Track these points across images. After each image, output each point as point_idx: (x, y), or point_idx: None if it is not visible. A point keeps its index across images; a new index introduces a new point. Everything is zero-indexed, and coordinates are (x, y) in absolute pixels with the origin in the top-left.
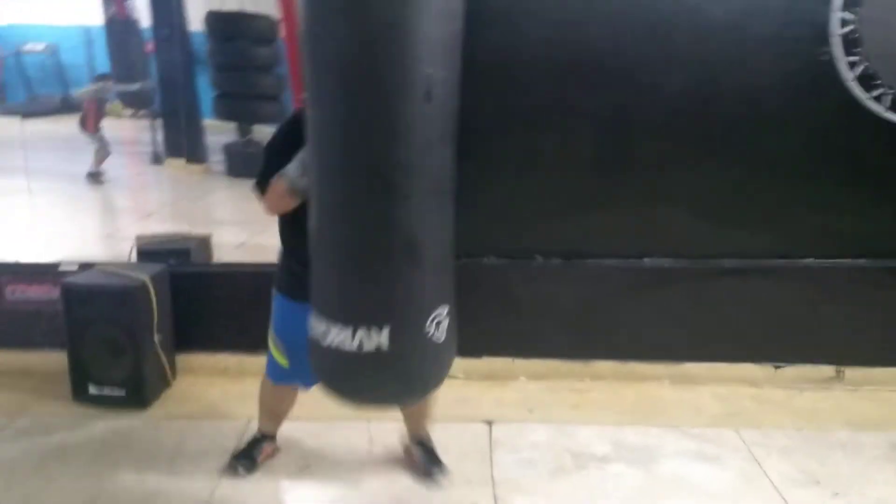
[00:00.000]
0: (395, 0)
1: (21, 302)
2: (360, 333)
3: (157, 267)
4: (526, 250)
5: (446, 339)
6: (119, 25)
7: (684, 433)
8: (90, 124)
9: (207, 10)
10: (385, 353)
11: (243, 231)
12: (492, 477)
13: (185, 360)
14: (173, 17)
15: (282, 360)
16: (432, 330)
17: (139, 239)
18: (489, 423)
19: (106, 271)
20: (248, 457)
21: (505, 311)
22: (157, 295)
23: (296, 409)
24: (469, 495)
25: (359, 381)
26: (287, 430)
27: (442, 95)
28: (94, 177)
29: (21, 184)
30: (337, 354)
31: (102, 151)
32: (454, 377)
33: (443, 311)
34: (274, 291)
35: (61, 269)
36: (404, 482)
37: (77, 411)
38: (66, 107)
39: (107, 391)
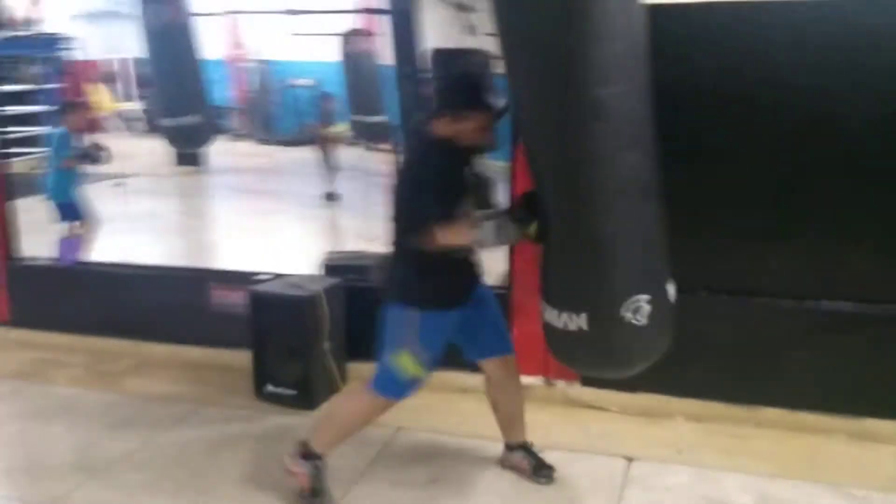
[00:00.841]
0: (562, 26)
1: (222, 305)
2: (564, 316)
3: (333, 281)
4: (692, 284)
5: (651, 322)
6: (357, 60)
7: (846, 494)
8: (325, 151)
9: (433, 47)
10: (586, 333)
11: None
12: None
13: (357, 368)
14: (415, 56)
15: (418, 373)
16: (629, 315)
17: (328, 254)
18: (629, 459)
19: (290, 282)
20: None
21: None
22: (329, 306)
23: (432, 422)
24: None
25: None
26: (421, 440)
27: (621, 108)
28: (330, 196)
29: (274, 205)
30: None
31: (333, 174)
32: (606, 410)
33: (641, 298)
34: (415, 310)
35: (256, 277)
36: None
37: (255, 406)
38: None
39: (281, 390)
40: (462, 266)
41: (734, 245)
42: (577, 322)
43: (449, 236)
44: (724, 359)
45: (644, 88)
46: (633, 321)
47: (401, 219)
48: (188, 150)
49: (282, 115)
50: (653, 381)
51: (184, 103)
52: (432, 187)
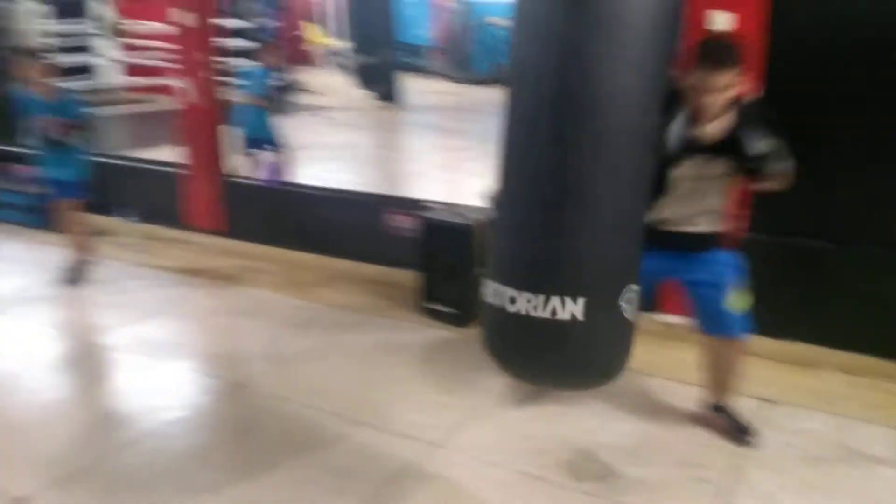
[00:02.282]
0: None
1: (397, 228)
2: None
3: (476, 213)
4: (859, 237)
5: (631, 318)
6: None
7: None
8: None
9: None
10: (580, 324)
11: None
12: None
13: None
14: None
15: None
16: (625, 304)
17: (489, 188)
18: (769, 401)
19: (457, 211)
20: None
21: (824, 297)
22: (468, 238)
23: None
24: (710, 457)
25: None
26: None
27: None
28: None
29: (460, 143)
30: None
31: None
32: (756, 355)
33: (633, 288)
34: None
35: (428, 205)
36: None
37: (419, 320)
38: None
39: (441, 308)
40: None
41: None
42: (570, 309)
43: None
44: (887, 313)
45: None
46: (626, 312)
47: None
48: (373, 87)
49: (477, 54)
50: (803, 330)
51: (371, 42)
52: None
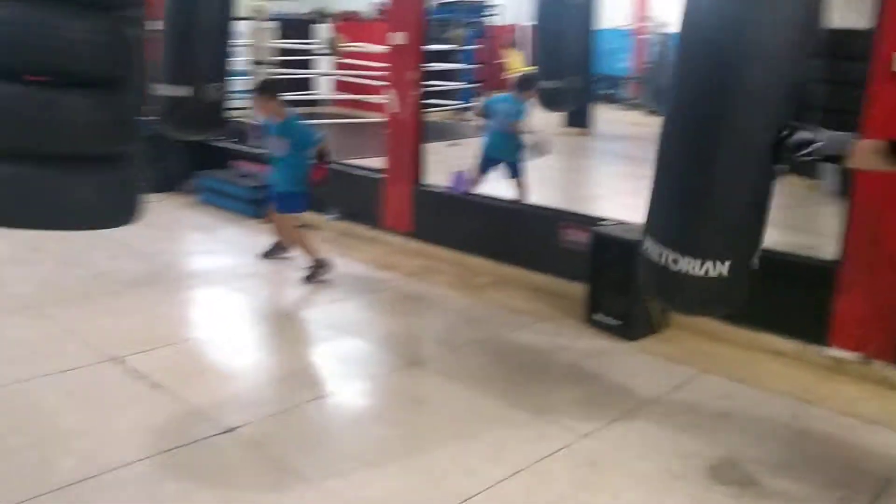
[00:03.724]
0: None
1: (569, 242)
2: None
3: None
4: None
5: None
6: None
7: None
8: None
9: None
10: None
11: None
12: None
13: (679, 316)
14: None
15: None
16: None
17: None
18: None
19: (626, 228)
20: None
21: None
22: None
23: None
24: (861, 483)
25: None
26: None
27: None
28: None
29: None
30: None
31: None
32: None
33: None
34: None
35: (600, 221)
36: None
37: (582, 329)
38: None
39: (607, 320)
40: None
41: None
42: (718, 269)
43: None
44: None
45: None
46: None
47: None
48: (557, 111)
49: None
50: None
51: (558, 67)
52: None
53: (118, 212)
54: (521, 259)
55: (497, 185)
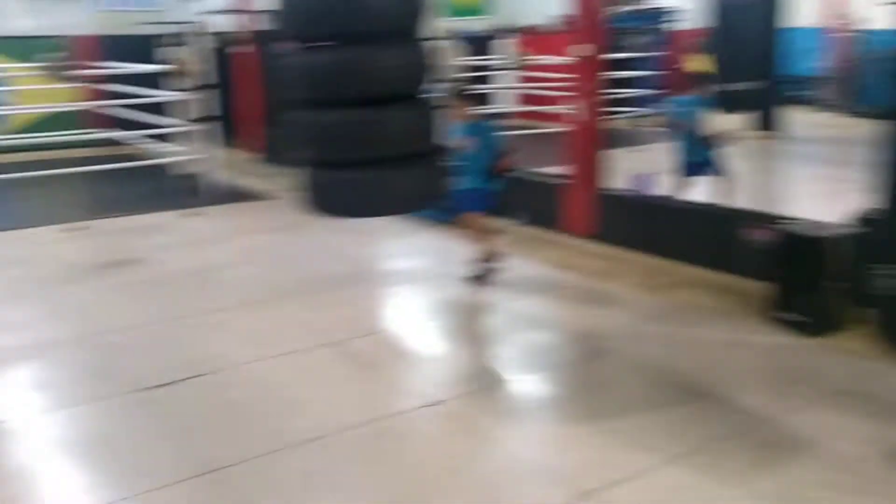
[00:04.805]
0: None
1: (751, 241)
2: None
3: (839, 229)
4: None
5: None
6: None
7: None
8: None
9: None
10: None
11: None
12: None
13: (860, 314)
14: None
15: None
16: None
17: (864, 210)
18: None
19: (812, 226)
20: None
21: None
22: (829, 252)
23: None
24: None
25: None
26: None
27: None
28: None
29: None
30: None
31: None
32: None
33: None
34: None
35: (782, 220)
36: None
37: (762, 326)
38: None
39: (790, 317)
40: None
41: None
42: None
43: None
44: None
45: None
46: None
47: None
48: (740, 113)
49: (872, 86)
50: None
51: (740, 69)
52: None
53: (430, 197)
54: (704, 259)
55: (694, 188)
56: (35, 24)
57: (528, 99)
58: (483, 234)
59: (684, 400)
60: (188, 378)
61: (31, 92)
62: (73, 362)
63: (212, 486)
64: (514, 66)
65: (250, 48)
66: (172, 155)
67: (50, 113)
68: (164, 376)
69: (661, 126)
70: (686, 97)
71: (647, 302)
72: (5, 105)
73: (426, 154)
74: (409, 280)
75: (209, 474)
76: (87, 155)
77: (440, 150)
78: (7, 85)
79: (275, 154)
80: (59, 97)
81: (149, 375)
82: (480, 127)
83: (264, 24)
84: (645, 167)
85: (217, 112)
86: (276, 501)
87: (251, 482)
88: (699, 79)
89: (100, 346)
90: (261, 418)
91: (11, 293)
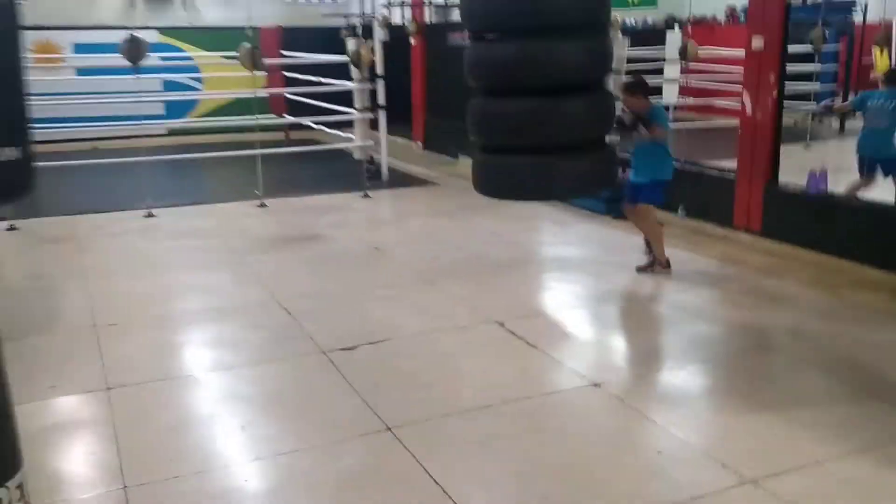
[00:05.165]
0: None
1: None
2: None
3: None
4: None
5: None
6: None
7: None
8: None
9: None
10: None
11: None
12: None
13: None
14: None
15: None
16: None
17: None
18: None
19: None
20: None
21: None
22: None
23: None
24: None
25: None
26: None
27: None
28: None
29: None
30: None
31: None
32: None
33: None
34: None
35: None
36: None
37: None
38: None
39: None
40: None
41: None
42: None
43: None
44: None
45: None
46: None
47: None
48: None
49: None
50: None
51: None
52: None
53: (603, 182)
54: (881, 260)
55: (874, 186)
56: (227, 15)
57: (698, 91)
58: (653, 225)
59: (858, 399)
60: (365, 344)
61: (220, 79)
62: (261, 324)
63: (390, 442)
64: (684, 57)
65: (420, 40)
66: (347, 141)
67: (235, 98)
68: (343, 341)
69: (842, 120)
70: (880, 91)
71: (816, 300)
72: (196, 91)
73: (598, 143)
74: (572, 267)
75: (386, 432)
76: (269, 139)
77: (612, 140)
78: (199, 72)
79: (437, 142)
80: (244, 84)
81: (330, 339)
82: (656, 111)
83: (434, 18)
84: (819, 163)
85: (388, 101)
86: (449, 460)
87: (426, 441)
88: (884, 72)
89: (287, 311)
90: (431, 385)
91: (207, 260)
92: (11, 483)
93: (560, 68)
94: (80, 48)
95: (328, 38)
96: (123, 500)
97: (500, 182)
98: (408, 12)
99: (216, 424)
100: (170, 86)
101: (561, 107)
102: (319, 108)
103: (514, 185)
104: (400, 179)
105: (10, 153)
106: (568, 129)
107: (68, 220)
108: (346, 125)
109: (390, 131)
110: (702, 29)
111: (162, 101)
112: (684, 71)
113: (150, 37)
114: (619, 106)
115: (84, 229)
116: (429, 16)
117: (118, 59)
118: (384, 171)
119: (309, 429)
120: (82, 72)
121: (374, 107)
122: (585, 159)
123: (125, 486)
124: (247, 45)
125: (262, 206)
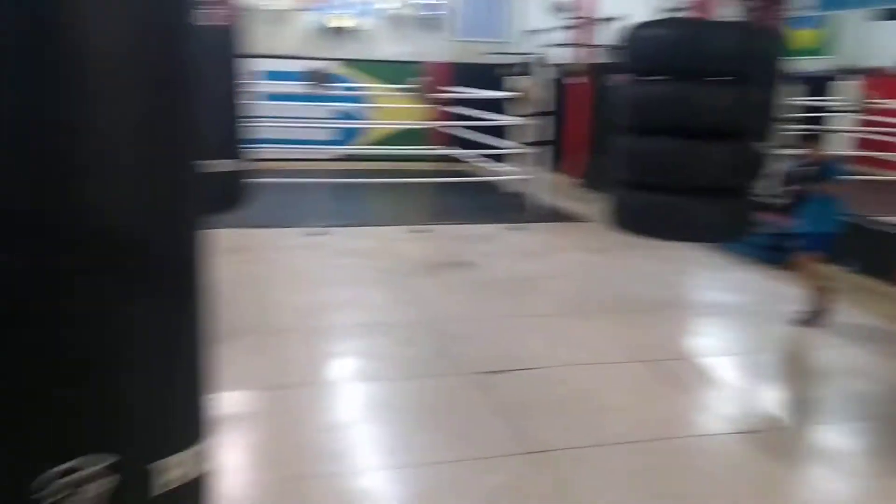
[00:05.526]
0: None
1: None
2: None
3: None
4: None
5: None
6: None
7: None
8: None
9: None
10: None
11: None
12: None
13: None
14: None
15: None
16: None
17: None
18: None
19: None
20: None
21: None
22: None
23: None
24: None
25: None
26: None
27: None
28: None
29: None
30: None
31: None
32: None
33: None
34: None
35: None
36: None
37: None
38: None
39: None
40: None
41: None
42: None
43: None
44: None
45: None
46: None
47: None
48: None
49: None
50: None
51: None
52: None
53: (734, 231)
54: None
55: None
56: (399, 50)
57: (869, 144)
58: (817, 277)
59: None
60: (514, 370)
61: (389, 110)
62: (416, 341)
63: (534, 465)
64: (856, 108)
65: (584, 80)
66: (504, 174)
67: (402, 128)
68: (493, 364)
69: None
70: None
71: None
72: (367, 119)
73: (740, 190)
74: (725, 312)
75: (532, 455)
76: (430, 168)
77: (758, 189)
78: (370, 102)
79: (596, 180)
80: (411, 115)
81: (479, 362)
82: (831, 167)
83: (600, 58)
84: None
85: (549, 138)
86: (594, 490)
87: (571, 469)
88: None
89: (438, 332)
90: (577, 415)
91: (367, 279)
92: (192, 450)
93: (704, 113)
94: (272, 75)
95: (482, 74)
96: (278, 491)
97: (631, 218)
98: (564, 52)
99: (356, 429)
100: (341, 114)
101: (703, 150)
102: (477, 142)
103: (644, 223)
104: (556, 214)
105: (228, 165)
106: (705, 173)
107: (245, 233)
108: (507, 159)
109: (553, 168)
110: (880, 80)
111: (336, 128)
112: (859, 122)
113: (330, 67)
114: (790, 155)
115: (257, 242)
116: (598, 56)
117: (302, 87)
118: (542, 205)
119: (454, 443)
120: (273, 97)
121: (537, 143)
122: (720, 205)
123: (282, 478)
124: (414, 78)
125: (421, 231)
